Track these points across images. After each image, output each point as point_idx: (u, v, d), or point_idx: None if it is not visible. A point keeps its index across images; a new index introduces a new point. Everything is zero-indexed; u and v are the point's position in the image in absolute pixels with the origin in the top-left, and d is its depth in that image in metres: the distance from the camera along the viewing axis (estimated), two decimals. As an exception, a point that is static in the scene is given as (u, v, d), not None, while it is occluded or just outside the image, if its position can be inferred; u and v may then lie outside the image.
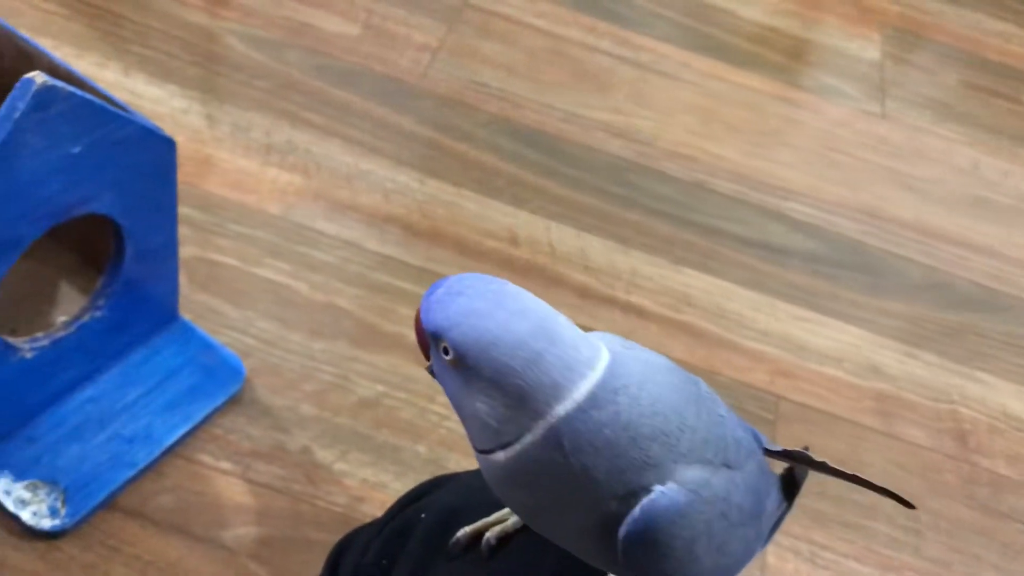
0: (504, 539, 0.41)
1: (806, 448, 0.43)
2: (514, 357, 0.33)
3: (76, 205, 0.58)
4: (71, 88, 0.53)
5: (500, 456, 0.34)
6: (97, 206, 0.60)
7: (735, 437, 0.38)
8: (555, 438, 0.33)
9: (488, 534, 0.42)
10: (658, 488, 0.33)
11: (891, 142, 1.17)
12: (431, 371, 0.37)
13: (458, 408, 0.35)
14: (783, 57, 1.25)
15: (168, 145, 0.63)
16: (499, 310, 0.34)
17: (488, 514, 0.43)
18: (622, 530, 0.33)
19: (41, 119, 0.52)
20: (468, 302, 0.34)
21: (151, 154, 0.62)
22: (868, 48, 1.31)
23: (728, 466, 0.37)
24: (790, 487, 0.44)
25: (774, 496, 0.41)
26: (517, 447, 0.33)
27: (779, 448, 0.41)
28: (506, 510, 0.43)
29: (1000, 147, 1.20)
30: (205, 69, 0.98)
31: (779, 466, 0.45)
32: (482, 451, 0.35)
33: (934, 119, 1.22)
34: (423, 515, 0.44)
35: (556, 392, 0.33)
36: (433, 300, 0.35)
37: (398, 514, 0.45)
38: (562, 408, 0.33)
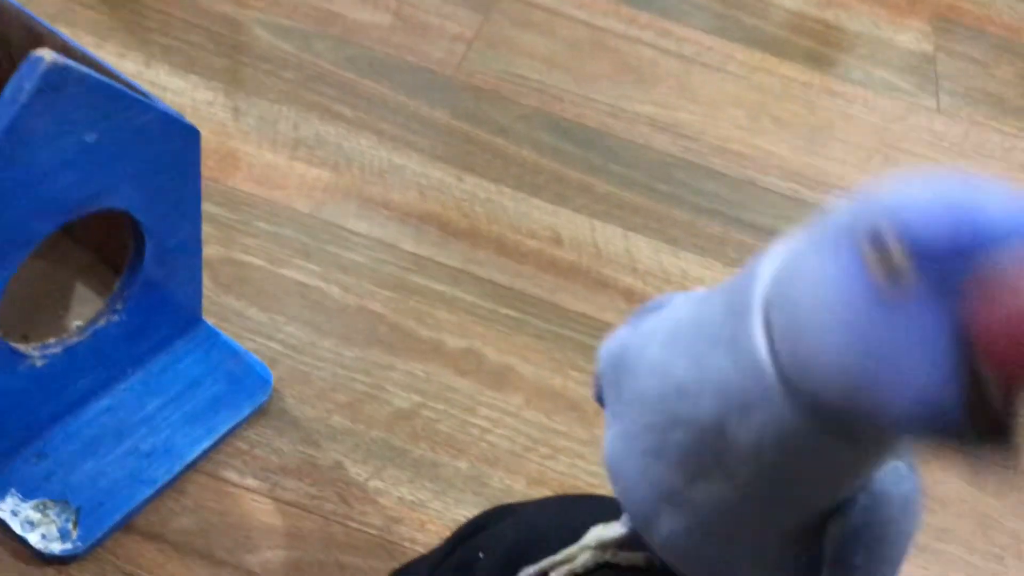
0: None
1: None
2: None
3: (92, 199, 0.53)
4: (85, 69, 0.47)
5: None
6: (114, 201, 0.55)
7: None
8: None
9: (553, 574, 0.36)
10: (892, 468, 0.28)
11: (948, 137, 1.11)
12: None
13: None
14: (831, 49, 1.19)
15: (192, 134, 0.57)
16: None
17: (553, 552, 0.38)
18: (850, 518, 0.28)
19: (51, 102, 0.47)
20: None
21: (173, 144, 0.57)
22: (919, 40, 1.25)
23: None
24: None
25: None
26: None
27: None
28: (574, 548, 0.38)
29: (1066, 143, 1.14)
30: (230, 59, 0.93)
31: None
32: None
33: (991, 113, 1.16)
34: (481, 554, 0.38)
35: None
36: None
37: (453, 552, 0.39)
38: None
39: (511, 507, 0.43)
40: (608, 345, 0.31)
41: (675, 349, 0.28)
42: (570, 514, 0.37)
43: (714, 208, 0.94)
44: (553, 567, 0.36)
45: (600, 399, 0.34)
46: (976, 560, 0.72)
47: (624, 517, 0.37)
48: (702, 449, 0.27)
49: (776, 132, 1.05)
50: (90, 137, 0.51)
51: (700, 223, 0.92)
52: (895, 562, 0.31)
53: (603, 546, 0.37)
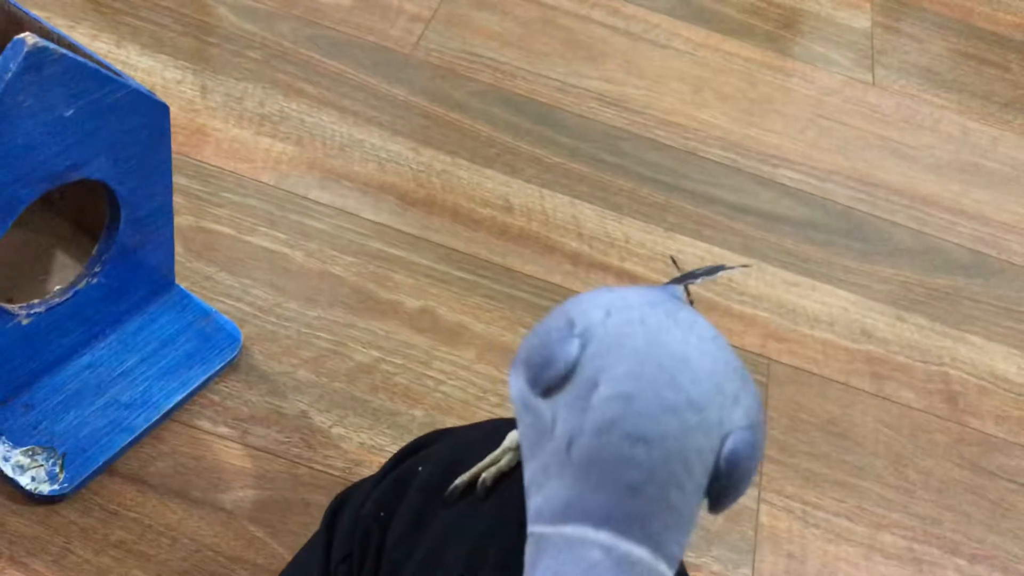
0: (499, 480, 0.42)
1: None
2: None
3: (70, 170, 0.59)
4: (63, 50, 0.53)
5: None
6: (91, 171, 0.60)
7: (716, 339, 0.38)
8: None
9: (484, 474, 0.42)
10: (739, 427, 0.35)
11: (881, 109, 1.17)
12: None
13: None
14: (774, 27, 1.25)
15: (161, 109, 0.63)
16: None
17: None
18: (725, 460, 0.34)
19: (33, 80, 0.52)
20: None
21: (144, 119, 0.62)
22: (858, 17, 1.32)
23: (744, 375, 0.37)
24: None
25: None
26: None
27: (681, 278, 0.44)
28: (499, 451, 0.44)
29: (989, 113, 1.21)
30: (197, 40, 0.98)
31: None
32: None
33: (924, 86, 1.23)
34: (420, 468, 0.44)
35: None
36: None
37: (395, 467, 0.45)
38: None
39: (448, 430, 0.48)
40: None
41: None
42: (500, 432, 0.43)
43: (657, 177, 1.00)
44: (483, 470, 0.42)
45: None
46: (889, 494, 0.79)
47: None
48: None
49: (718, 105, 1.11)
50: (68, 112, 0.56)
51: (643, 191, 0.98)
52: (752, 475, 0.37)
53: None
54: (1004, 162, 1.15)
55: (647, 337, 0.34)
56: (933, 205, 1.07)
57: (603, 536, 0.31)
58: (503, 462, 0.42)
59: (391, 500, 0.43)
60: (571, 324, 0.35)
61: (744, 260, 0.94)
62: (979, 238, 1.05)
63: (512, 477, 0.42)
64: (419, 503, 0.42)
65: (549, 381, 0.34)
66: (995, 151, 1.16)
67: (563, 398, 0.34)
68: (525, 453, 0.35)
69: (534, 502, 0.33)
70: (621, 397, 0.32)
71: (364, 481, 0.47)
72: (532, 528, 0.33)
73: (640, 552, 0.31)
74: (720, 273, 0.49)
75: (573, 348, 0.34)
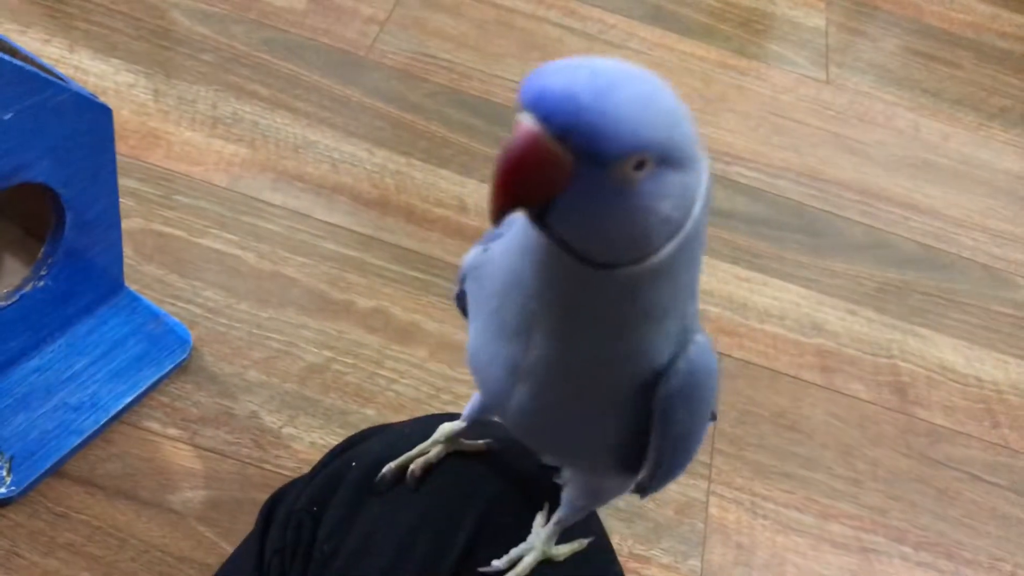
0: (428, 470, 0.42)
1: None
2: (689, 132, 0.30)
3: (11, 173, 0.59)
4: (-1, 54, 0.53)
5: (662, 254, 0.30)
6: (33, 174, 0.60)
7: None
8: (695, 231, 0.31)
9: (412, 466, 0.43)
10: (699, 338, 0.34)
11: (834, 107, 1.19)
12: (544, 215, 0.30)
13: (616, 224, 0.29)
14: (731, 27, 1.27)
15: (104, 112, 0.63)
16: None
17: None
18: (673, 380, 0.33)
19: (-31, 85, 0.52)
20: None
21: (87, 122, 0.62)
22: (813, 16, 1.33)
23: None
24: None
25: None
26: (680, 236, 0.30)
27: None
28: (428, 442, 0.45)
29: (940, 110, 1.23)
30: (150, 44, 0.98)
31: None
32: (636, 260, 0.31)
33: (876, 84, 1.25)
34: (353, 463, 0.45)
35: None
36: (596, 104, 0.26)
37: (328, 464, 0.46)
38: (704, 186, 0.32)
39: (382, 426, 0.49)
40: (467, 259, 0.37)
41: (511, 250, 0.34)
42: (431, 426, 0.44)
43: (612, 176, 1.01)
44: (411, 460, 0.43)
45: (461, 307, 0.39)
46: (838, 484, 0.81)
47: (465, 413, 0.43)
48: (525, 312, 0.33)
49: (673, 104, 1.12)
50: (6, 116, 0.56)
51: (598, 190, 0.99)
52: (703, 421, 0.36)
53: (450, 438, 0.44)
54: (955, 158, 1.17)
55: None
56: (884, 200, 1.08)
57: None
58: (432, 453, 0.43)
59: (324, 494, 0.44)
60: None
61: (706, 258, 0.95)
62: (929, 232, 1.06)
63: (441, 469, 0.43)
64: (351, 496, 0.43)
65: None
66: (946, 147, 1.18)
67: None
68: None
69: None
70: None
71: (299, 479, 0.48)
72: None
73: None
74: None
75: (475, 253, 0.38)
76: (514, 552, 0.41)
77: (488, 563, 0.41)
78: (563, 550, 0.43)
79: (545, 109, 0.26)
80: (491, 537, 0.41)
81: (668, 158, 0.29)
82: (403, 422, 0.50)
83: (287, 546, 0.43)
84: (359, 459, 0.45)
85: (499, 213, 0.27)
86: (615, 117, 0.26)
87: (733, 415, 0.83)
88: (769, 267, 0.97)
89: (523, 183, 0.27)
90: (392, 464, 0.43)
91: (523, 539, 0.42)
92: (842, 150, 1.13)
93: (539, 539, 0.42)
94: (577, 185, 0.28)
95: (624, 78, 0.28)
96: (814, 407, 0.86)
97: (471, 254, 0.38)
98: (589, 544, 0.43)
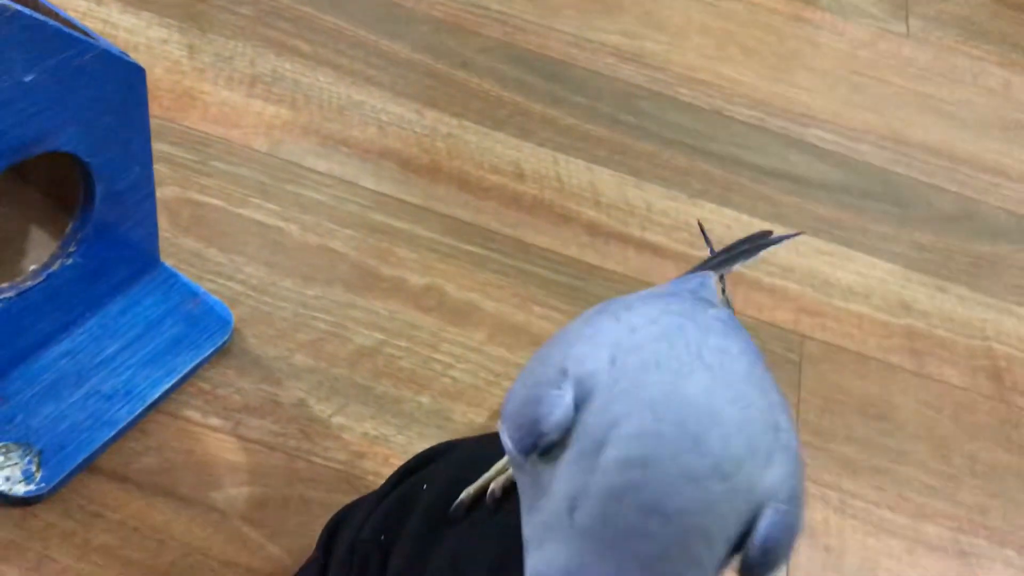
0: (509, 490, 0.36)
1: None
2: None
3: (35, 141, 0.53)
4: (17, 6, 0.46)
5: None
6: (59, 143, 0.54)
7: (759, 373, 0.33)
8: None
9: (493, 485, 0.37)
10: (775, 501, 0.29)
11: (917, 63, 1.10)
12: None
13: None
14: (801, -25, 1.18)
15: (137, 72, 0.56)
16: None
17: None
18: (759, 546, 0.29)
19: (-17, 42, 0.46)
20: None
21: (118, 83, 0.56)
22: (891, -36, 1.24)
23: (779, 409, 0.32)
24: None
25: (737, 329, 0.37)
26: None
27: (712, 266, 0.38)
28: (504, 459, 0.39)
29: (1034, 66, 1.13)
30: (183, -5, 0.91)
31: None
32: None
33: (961, 38, 1.15)
34: (425, 486, 0.39)
35: None
36: None
37: (397, 485, 0.40)
38: None
39: (456, 442, 0.43)
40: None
41: None
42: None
43: (679, 139, 0.94)
44: (491, 480, 0.37)
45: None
46: (932, 480, 0.74)
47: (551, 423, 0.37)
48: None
49: (743, 61, 1.04)
50: (27, 78, 0.50)
51: (665, 155, 0.92)
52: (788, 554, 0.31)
53: None
54: (1048, 118, 1.08)
55: (663, 386, 0.29)
56: (974, 165, 1.00)
57: None
58: (511, 471, 0.37)
59: (393, 522, 0.38)
60: (563, 373, 0.29)
61: (782, 229, 0.88)
62: (1023, 201, 0.98)
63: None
64: (424, 525, 0.37)
65: (538, 444, 0.29)
66: (1038, 107, 1.09)
67: (559, 458, 0.29)
68: (523, 501, 0.30)
69: (532, 560, 0.28)
70: (634, 462, 0.27)
71: (362, 499, 0.42)
72: None
73: None
74: (763, 253, 0.43)
75: (564, 407, 0.29)
76: None
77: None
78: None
79: None
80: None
81: None
82: (477, 437, 0.44)
83: (353, 581, 0.37)
84: (431, 482, 0.39)
85: None
86: None
87: (817, 403, 0.76)
88: (852, 239, 0.89)
89: None
90: (471, 488, 0.37)
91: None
92: (927, 111, 1.04)
93: None
94: None
95: None
96: (904, 394, 0.79)
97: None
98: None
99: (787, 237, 0.43)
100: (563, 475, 0.28)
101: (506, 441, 0.31)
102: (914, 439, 0.76)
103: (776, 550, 0.28)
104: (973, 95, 1.08)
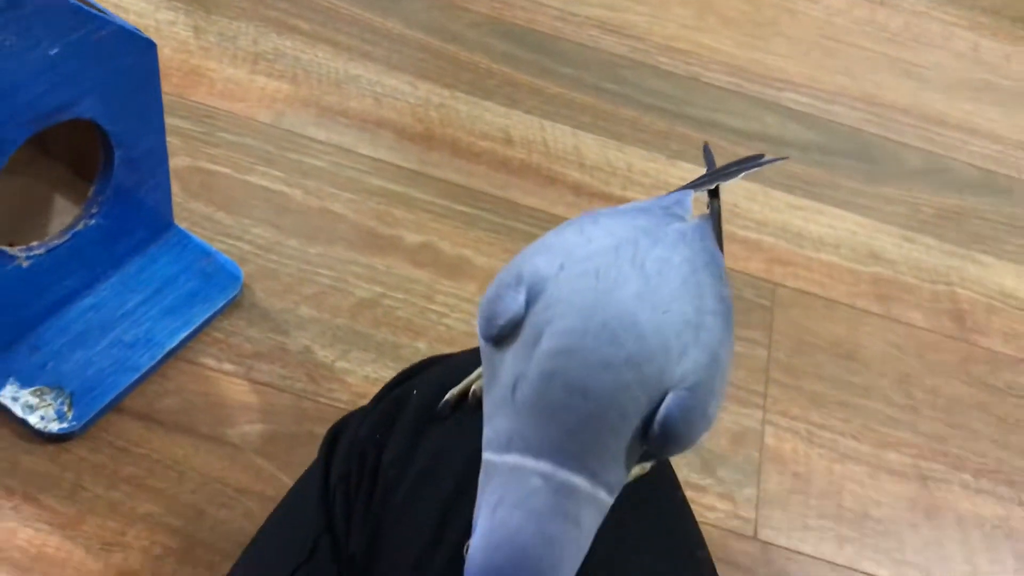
0: None
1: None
2: None
3: (60, 109, 0.58)
4: (43, -15, 0.52)
5: None
6: (81, 110, 0.60)
7: (684, 278, 0.38)
8: None
9: (474, 387, 0.43)
10: (679, 387, 0.35)
11: (889, 28, 1.15)
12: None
13: None
14: (779, -53, 1.22)
15: (148, 47, 0.62)
16: None
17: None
18: (658, 424, 0.35)
19: (15, 17, 0.51)
20: None
21: (131, 57, 0.61)
22: (867, -66, 1.28)
23: (700, 324, 0.37)
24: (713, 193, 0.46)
25: (712, 250, 0.42)
26: None
27: (695, 185, 0.43)
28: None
29: (1000, 29, 1.18)
30: (188, -20, 0.97)
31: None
32: None
33: (933, 3, 1.20)
34: (414, 391, 0.44)
35: None
36: None
37: (389, 393, 0.45)
38: None
39: (440, 356, 0.49)
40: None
41: None
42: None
43: (659, 105, 0.99)
44: (473, 383, 0.42)
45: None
46: (895, 413, 0.79)
47: None
48: None
49: (721, 30, 1.09)
50: (52, 51, 0.55)
51: (646, 119, 0.97)
52: (704, 421, 0.37)
53: None
54: (1017, 78, 1.12)
55: (596, 294, 0.35)
56: (943, 124, 1.05)
57: (542, 465, 0.33)
58: None
59: (386, 421, 0.44)
60: (519, 279, 0.36)
61: (757, 185, 0.93)
62: (990, 156, 1.03)
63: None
64: (413, 423, 0.43)
65: (495, 333, 0.35)
66: (1007, 68, 1.14)
67: (511, 347, 0.35)
68: (484, 387, 0.36)
69: (486, 432, 0.35)
70: (562, 351, 0.34)
71: (359, 410, 0.47)
72: (484, 455, 0.34)
73: (578, 480, 0.33)
74: (750, 171, 0.48)
75: (516, 305, 0.35)
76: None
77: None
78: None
79: None
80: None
81: None
82: (461, 352, 0.49)
83: (351, 473, 0.43)
84: (420, 387, 0.44)
85: None
86: None
87: (788, 345, 0.82)
88: (824, 195, 0.95)
89: None
90: (455, 389, 0.43)
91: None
92: (898, 74, 1.09)
93: None
94: None
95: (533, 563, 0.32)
96: (871, 336, 0.84)
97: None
98: (651, 468, 0.43)
99: (773, 160, 0.48)
100: (509, 362, 0.34)
101: (478, 330, 0.37)
102: (879, 376, 0.82)
103: (675, 427, 0.34)
104: (943, 58, 1.13)
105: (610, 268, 0.36)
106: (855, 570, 0.69)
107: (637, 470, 0.43)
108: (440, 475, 0.41)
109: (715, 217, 0.45)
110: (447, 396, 0.42)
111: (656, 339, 0.34)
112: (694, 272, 0.38)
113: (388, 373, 0.72)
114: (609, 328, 0.34)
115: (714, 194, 0.46)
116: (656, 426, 0.34)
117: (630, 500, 0.39)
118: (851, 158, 0.99)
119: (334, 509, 0.43)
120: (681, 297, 0.37)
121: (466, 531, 0.40)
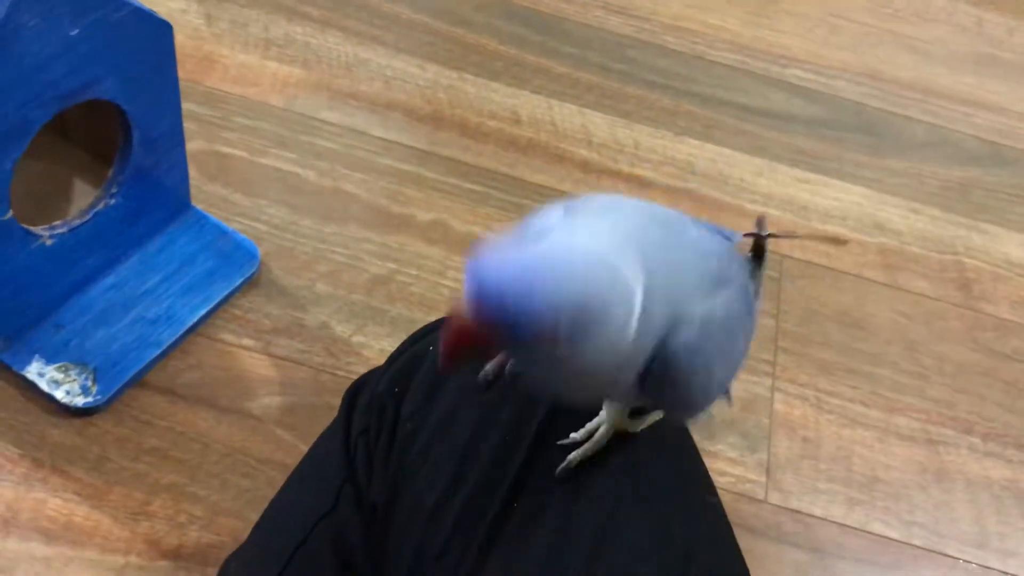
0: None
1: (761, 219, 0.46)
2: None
3: (80, 90, 0.60)
4: (62, -33, 0.54)
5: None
6: (101, 91, 0.61)
7: (717, 254, 0.39)
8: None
9: (507, 366, 0.44)
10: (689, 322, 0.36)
11: (893, 4, 1.16)
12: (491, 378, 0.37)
13: (557, 380, 0.36)
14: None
15: (165, 28, 0.64)
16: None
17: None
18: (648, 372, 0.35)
19: (37, 0, 0.53)
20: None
21: (149, 38, 0.63)
22: (870, -87, 1.29)
23: (721, 285, 0.38)
24: (758, 254, 0.46)
25: (747, 275, 0.43)
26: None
27: (743, 233, 0.44)
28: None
29: (1003, 3, 1.19)
30: (199, -31, 0.98)
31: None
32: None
33: (938, -20, 1.21)
34: (431, 347, 0.46)
35: None
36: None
37: (408, 349, 0.47)
38: None
39: (455, 315, 0.50)
40: None
41: None
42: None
43: (665, 83, 1.00)
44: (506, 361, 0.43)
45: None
46: (903, 379, 0.81)
47: None
48: None
49: (726, 8, 1.10)
50: (73, 32, 0.57)
51: (652, 97, 0.98)
52: (707, 379, 0.38)
53: None
54: (1021, 52, 1.13)
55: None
56: (947, 98, 1.06)
57: None
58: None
59: (405, 376, 0.45)
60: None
61: (763, 161, 0.94)
62: (994, 128, 1.04)
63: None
64: (431, 377, 0.44)
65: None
66: (1011, 41, 1.14)
67: None
68: None
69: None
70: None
71: (378, 368, 0.49)
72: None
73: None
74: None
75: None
76: (590, 424, 0.42)
77: (567, 435, 0.42)
78: (638, 423, 0.43)
79: (475, 306, 0.32)
80: (569, 411, 0.42)
81: (580, 325, 0.32)
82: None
83: (371, 427, 0.45)
84: (436, 344, 0.46)
85: (445, 371, 0.36)
86: (526, 312, 0.31)
87: (796, 314, 0.83)
88: (829, 168, 0.96)
89: (457, 356, 0.33)
90: (488, 365, 0.44)
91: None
92: (902, 49, 1.10)
93: (610, 412, 0.43)
94: (515, 353, 0.36)
95: (551, 267, 0.32)
96: (878, 305, 0.85)
97: None
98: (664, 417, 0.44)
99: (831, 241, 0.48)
100: None
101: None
102: (886, 343, 0.83)
103: (674, 364, 0.35)
104: (946, 33, 1.13)
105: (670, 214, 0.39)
106: (865, 531, 0.71)
107: (650, 418, 0.44)
108: (456, 425, 0.42)
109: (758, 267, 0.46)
110: (486, 368, 0.43)
111: (693, 259, 0.37)
112: (729, 263, 0.40)
113: (403, 346, 0.74)
114: (666, 222, 0.38)
115: (759, 255, 0.46)
116: (656, 362, 0.35)
117: (648, 443, 0.41)
118: (856, 132, 1.00)
119: (356, 462, 0.44)
120: (711, 255, 0.38)
121: (481, 478, 0.41)
